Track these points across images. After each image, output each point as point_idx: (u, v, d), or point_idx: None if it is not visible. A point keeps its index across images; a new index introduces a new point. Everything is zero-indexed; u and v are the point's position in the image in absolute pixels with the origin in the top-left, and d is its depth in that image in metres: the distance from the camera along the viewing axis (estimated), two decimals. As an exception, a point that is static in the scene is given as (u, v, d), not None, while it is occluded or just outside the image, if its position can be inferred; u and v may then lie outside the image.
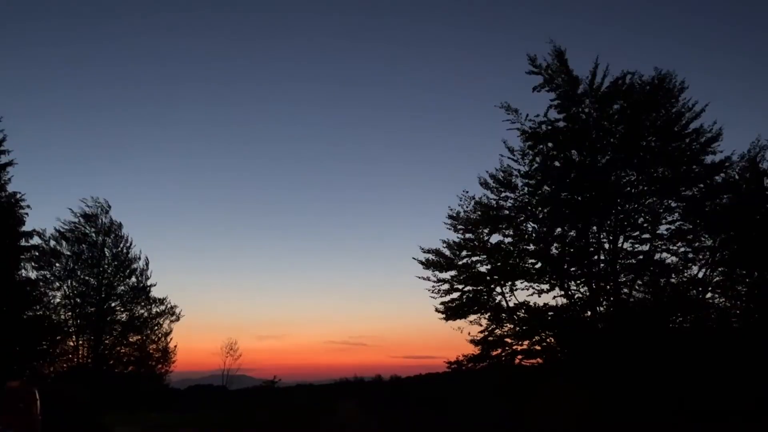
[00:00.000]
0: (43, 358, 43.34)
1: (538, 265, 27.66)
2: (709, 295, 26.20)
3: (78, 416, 35.44)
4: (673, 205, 26.48)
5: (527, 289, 27.87)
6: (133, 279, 52.29)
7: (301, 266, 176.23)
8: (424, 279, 29.04)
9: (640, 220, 26.88)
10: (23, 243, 38.70)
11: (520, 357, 27.80)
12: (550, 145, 27.27)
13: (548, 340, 27.56)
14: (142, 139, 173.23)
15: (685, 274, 26.56)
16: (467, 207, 28.31)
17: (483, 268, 28.35)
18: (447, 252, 28.57)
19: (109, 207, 51.80)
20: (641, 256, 26.74)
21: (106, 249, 51.58)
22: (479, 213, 28.12)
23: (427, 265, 28.89)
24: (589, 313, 27.10)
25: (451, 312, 28.48)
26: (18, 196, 36.89)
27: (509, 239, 28.07)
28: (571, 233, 27.24)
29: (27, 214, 37.44)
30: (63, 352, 49.36)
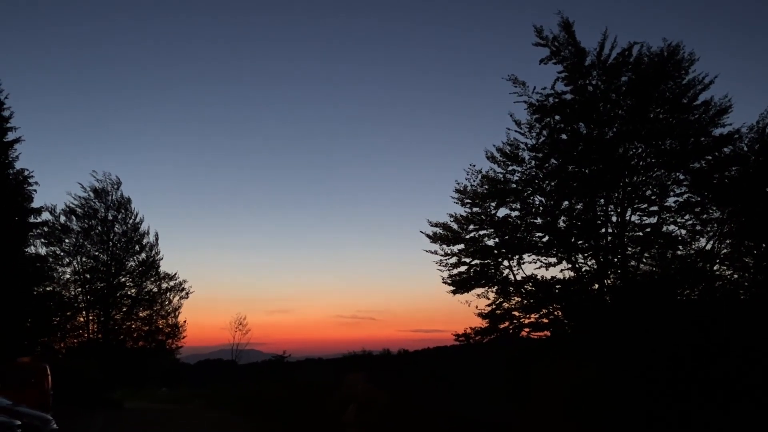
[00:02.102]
0: (53, 334, 43.62)
1: (546, 238, 27.64)
2: (716, 267, 26.16)
3: (89, 391, 35.67)
4: (681, 177, 26.39)
5: (534, 263, 27.92)
6: (143, 254, 52.56)
7: (311, 242, 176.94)
8: (431, 253, 29.07)
9: (648, 192, 26.82)
10: (32, 220, 38.73)
11: (527, 330, 27.83)
12: (557, 117, 27.14)
13: (556, 313, 27.56)
14: (152, 115, 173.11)
15: (693, 246, 26.54)
16: (474, 181, 28.25)
17: (490, 242, 28.35)
18: (454, 226, 28.53)
19: (120, 182, 52.03)
20: (649, 229, 26.70)
21: (116, 224, 51.76)
22: (486, 187, 28.03)
23: (434, 238, 28.88)
24: (596, 285, 27.09)
25: (459, 285, 28.50)
26: (26, 173, 36.87)
27: (516, 213, 28.03)
28: (579, 206, 27.15)
29: (35, 191, 37.50)
30: (73, 328, 49.75)
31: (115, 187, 51.89)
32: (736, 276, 25.86)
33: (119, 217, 52.04)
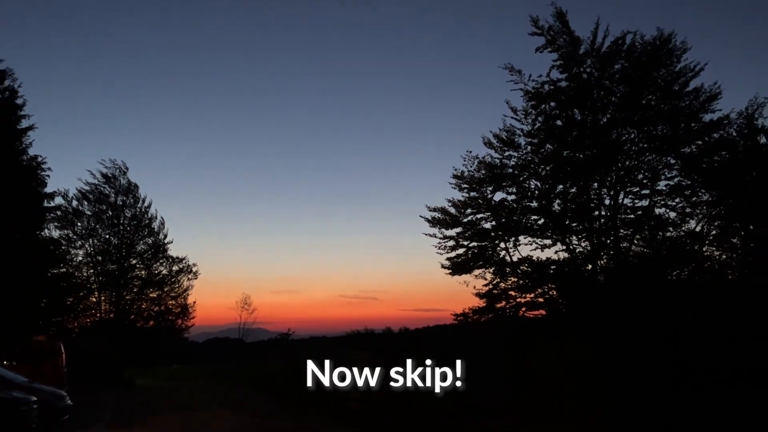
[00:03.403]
0: (67, 314, 43.78)
1: (541, 221, 27.73)
2: (705, 248, 26.27)
3: (102, 368, 35.87)
4: (672, 161, 26.49)
5: (530, 244, 28.06)
6: (152, 238, 52.80)
7: (314, 224, 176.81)
8: (430, 236, 29.17)
9: (640, 176, 26.90)
10: (46, 204, 38.78)
11: (523, 309, 27.98)
12: (552, 104, 27.20)
13: (551, 293, 27.69)
14: (158, 100, 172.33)
15: (683, 228, 26.61)
16: (471, 166, 28.34)
17: (487, 225, 28.46)
18: (452, 210, 28.64)
19: (127, 168, 52.34)
20: (640, 211, 26.77)
21: (125, 209, 52.01)
22: (483, 172, 28.11)
23: (433, 222, 28.98)
24: (590, 266, 27.18)
25: (457, 267, 28.63)
26: (39, 159, 36.89)
27: (512, 197, 28.12)
28: (573, 190, 27.25)
29: (48, 176, 37.49)
30: (86, 308, 50.06)
31: (123, 172, 52.11)
32: (724, 257, 25.96)
33: (128, 201, 52.33)
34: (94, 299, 51.18)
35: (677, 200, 26.46)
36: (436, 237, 29.02)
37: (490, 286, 28.11)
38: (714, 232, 25.93)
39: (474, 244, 28.54)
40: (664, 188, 26.60)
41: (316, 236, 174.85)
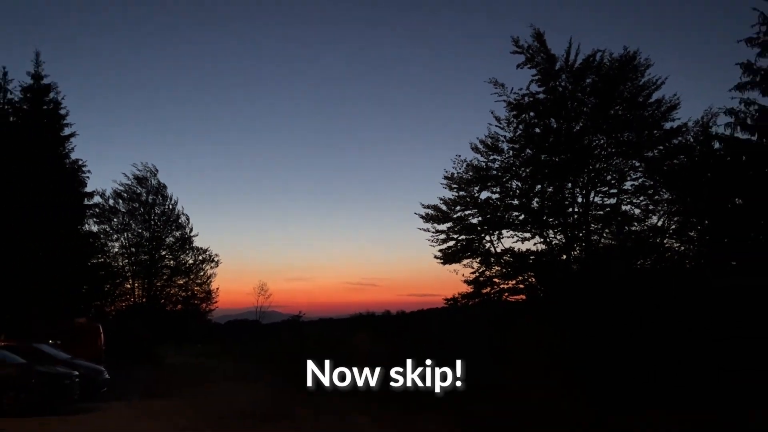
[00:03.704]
0: (105, 299, 43.89)
1: (521, 216, 27.77)
2: (666, 240, 26.31)
3: (135, 347, 36.05)
4: (637, 164, 26.55)
5: (512, 237, 28.17)
6: (179, 232, 52.93)
7: (324, 218, 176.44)
8: (424, 230, 29.24)
9: (609, 177, 26.96)
10: (86, 202, 38.98)
11: (506, 294, 28.03)
12: (531, 114, 27.25)
13: (530, 280, 27.77)
14: (180, 100, 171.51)
15: (646, 223, 26.68)
16: (460, 169, 28.41)
17: (474, 220, 28.50)
18: (443, 207, 28.68)
19: (157, 170, 52.48)
20: (609, 208, 26.85)
21: (155, 206, 52.14)
22: (471, 173, 28.18)
23: (427, 218, 29.04)
24: (564, 257, 27.23)
25: (448, 257, 28.69)
26: (80, 162, 37.05)
27: (496, 195, 28.17)
28: (550, 189, 27.27)
29: (88, 177, 37.65)
30: (121, 293, 50.20)
31: (153, 174, 52.27)
32: (682, 248, 26.04)
33: (157, 200, 52.45)
34: (128, 286, 51.30)
35: (641, 198, 26.57)
36: (429, 231, 29.08)
37: (477, 274, 28.18)
38: (674, 227, 25.98)
39: (463, 237, 28.59)
40: (630, 188, 26.72)
41: (324, 229, 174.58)
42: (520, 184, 27.89)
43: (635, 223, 26.76)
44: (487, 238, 28.28)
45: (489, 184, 28.07)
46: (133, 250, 51.27)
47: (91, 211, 42.27)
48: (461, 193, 28.52)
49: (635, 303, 21.22)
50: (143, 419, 15.47)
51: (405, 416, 15.20)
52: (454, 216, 28.64)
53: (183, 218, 53.42)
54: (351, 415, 15.70)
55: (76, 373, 17.99)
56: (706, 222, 23.62)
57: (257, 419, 15.37)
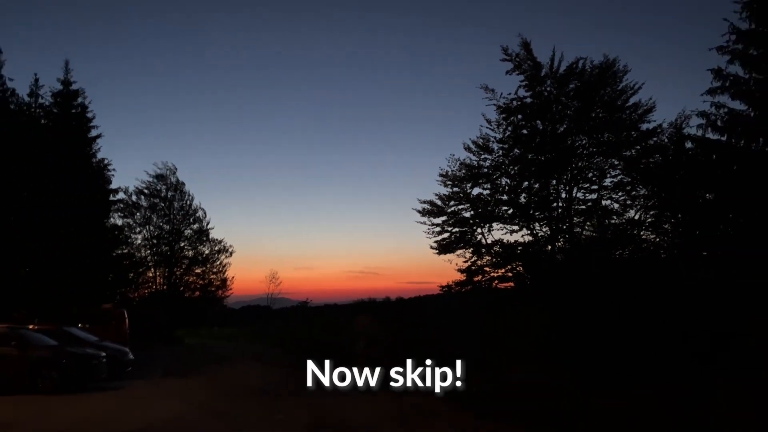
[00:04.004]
0: (129, 286, 44.04)
1: (510, 210, 27.88)
2: (642, 232, 26.43)
3: (157, 330, 36.14)
4: (616, 163, 26.65)
5: (501, 230, 28.32)
6: (196, 225, 53.06)
7: (329, 211, 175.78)
8: (421, 223, 29.34)
9: (590, 174, 27.05)
10: (111, 198, 39.08)
11: (496, 282, 28.16)
12: (519, 117, 27.31)
13: (518, 268, 27.85)
14: (193, 98, 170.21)
15: (625, 216, 26.80)
16: (454, 167, 28.52)
17: (467, 214, 28.62)
18: (439, 202, 28.80)
19: (176, 169, 52.74)
20: (590, 203, 26.98)
21: (174, 202, 52.24)
22: (464, 171, 28.28)
23: (423, 213, 29.16)
24: (549, 247, 27.34)
25: (443, 248, 28.79)
26: (106, 161, 37.16)
27: (487, 191, 28.31)
28: (536, 186, 27.37)
29: (113, 175, 37.85)
30: (144, 281, 50.41)
31: (172, 172, 52.37)
32: (657, 239, 26.12)
33: (176, 196, 52.59)
34: (150, 274, 51.49)
35: (620, 194, 26.69)
36: (425, 224, 29.23)
37: (469, 264, 28.29)
38: (649, 220, 26.07)
39: (456, 229, 28.71)
40: (609, 184, 26.86)
41: (329, 222, 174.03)
42: (508, 181, 28.01)
43: (614, 217, 26.90)
44: (479, 230, 28.41)
45: (480, 181, 28.17)
46: (155, 241, 51.50)
47: (115, 206, 42.45)
48: (455, 189, 28.63)
49: (614, 290, 21.23)
50: (165, 396, 15.54)
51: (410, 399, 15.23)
52: (449, 210, 28.75)
53: (200, 212, 53.64)
54: (355, 399, 15.75)
55: (104, 354, 18.06)
56: (679, 216, 23.68)
57: (269, 396, 15.43)
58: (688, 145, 23.19)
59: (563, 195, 26.99)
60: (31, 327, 19.38)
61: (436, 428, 11.53)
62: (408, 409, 13.05)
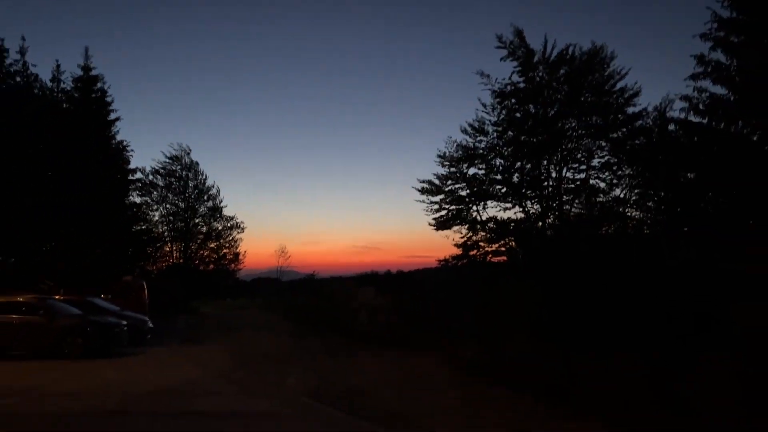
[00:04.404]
0: (147, 260, 44.24)
1: (503, 189, 27.66)
2: (628, 210, 26.31)
3: (174, 301, 36.33)
4: (603, 144, 26.37)
5: (495, 207, 28.10)
6: (210, 203, 53.04)
7: (334, 188, 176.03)
8: (420, 201, 29.28)
9: (579, 155, 26.81)
10: (130, 177, 39.08)
11: (490, 256, 28.06)
12: (513, 101, 27.05)
13: (510, 244, 27.79)
14: (207, 77, 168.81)
15: (611, 195, 26.62)
16: (451, 148, 28.28)
17: (463, 193, 28.39)
18: (437, 182, 28.62)
19: (190, 150, 52.49)
20: (579, 182, 26.74)
21: (189, 181, 52.17)
22: (460, 152, 28.05)
23: (422, 191, 29.00)
24: (540, 224, 27.25)
25: (441, 224, 28.72)
26: (124, 143, 37.13)
27: (482, 171, 28.02)
28: (528, 166, 27.15)
29: (131, 156, 37.81)
30: (162, 255, 50.57)
31: (187, 153, 52.21)
32: (641, 216, 26.05)
33: (191, 175, 52.46)
34: (167, 249, 51.55)
35: (606, 174, 26.46)
36: (424, 202, 29.11)
37: (465, 239, 28.18)
38: (634, 198, 25.92)
39: (453, 207, 28.55)
40: (597, 165, 26.54)
41: (334, 199, 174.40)
42: (502, 162, 27.76)
43: (601, 195, 26.68)
44: (474, 208, 28.25)
45: (476, 161, 27.98)
46: (171, 218, 51.45)
47: (134, 185, 42.36)
48: (452, 169, 28.46)
49: (600, 264, 21.28)
50: (182, 361, 15.68)
51: (402, 356, 15.39)
52: (446, 189, 28.61)
53: (214, 190, 53.54)
54: (357, 356, 15.89)
55: (125, 322, 18.21)
56: (662, 194, 23.61)
57: (280, 362, 15.55)
58: (672, 127, 23.07)
59: (553, 174, 26.81)
60: (57, 297, 19.52)
61: (431, 386, 11.68)
62: (407, 373, 13.16)
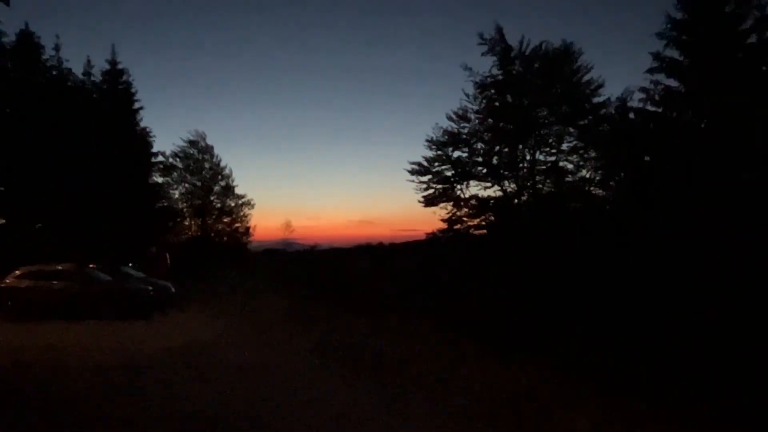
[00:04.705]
0: (169, 233, 44.46)
1: (484, 170, 27.87)
2: (593, 188, 26.61)
3: (193, 269, 36.69)
4: (571, 130, 26.58)
5: (477, 186, 28.24)
6: (224, 182, 53.23)
7: (335, 165, 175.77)
8: (411, 181, 29.54)
9: (550, 140, 26.99)
10: (153, 160, 39.27)
11: (472, 230, 28.41)
12: (492, 91, 27.23)
13: (490, 218, 28.10)
14: (221, 69, 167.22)
15: (578, 175, 26.91)
16: (438, 134, 28.42)
17: (448, 173, 28.60)
18: (425, 164, 28.77)
19: (205, 135, 52.48)
20: (550, 164, 27.04)
21: (205, 163, 52.29)
22: (446, 137, 28.24)
23: (413, 172, 29.19)
24: (516, 201, 27.58)
25: (429, 201, 28.95)
26: (147, 129, 37.26)
27: (465, 154, 28.20)
28: (506, 149, 27.37)
29: (154, 141, 37.97)
30: (181, 229, 50.72)
31: (203, 138, 52.30)
32: (604, 194, 26.37)
33: (206, 158, 52.58)
34: (186, 223, 51.83)
35: (574, 156, 26.68)
36: (414, 182, 29.37)
37: (450, 215, 28.39)
38: (598, 178, 26.23)
39: (440, 186, 28.73)
40: (566, 149, 26.72)
41: (334, 178, 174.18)
42: (483, 146, 27.96)
43: (569, 176, 26.99)
44: (458, 186, 28.44)
45: (460, 145, 28.14)
46: (189, 196, 51.69)
47: (156, 167, 42.52)
48: (439, 152, 28.63)
49: (569, 236, 21.66)
50: (202, 322, 16.11)
51: (397, 321, 15.83)
52: (434, 170, 28.80)
53: (227, 171, 53.74)
54: (354, 321, 16.36)
55: (151, 288, 18.60)
56: (623, 174, 23.93)
57: (288, 321, 16.00)
58: (631, 116, 23.34)
59: (528, 157, 27.08)
60: (91, 266, 19.88)
61: (414, 336, 12.19)
62: (393, 325, 13.67)
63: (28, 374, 9.05)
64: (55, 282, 17.11)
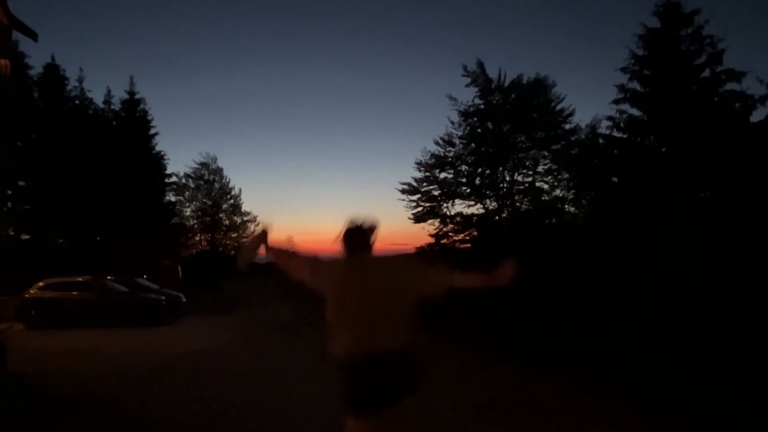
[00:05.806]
0: (181, 247, 44.26)
1: (468, 190, 28.15)
2: (566, 206, 26.87)
3: (203, 280, 36.42)
4: (546, 154, 27.00)
5: (462, 204, 28.60)
6: (231, 201, 53.16)
7: (330, 187, 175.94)
8: (401, 200, 29.68)
9: (527, 163, 27.39)
10: (167, 180, 39.19)
11: (458, 244, 28.50)
12: (475, 119, 27.59)
13: (474, 234, 28.23)
14: (229, 90, 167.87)
15: (553, 194, 27.22)
16: (426, 157, 28.76)
17: (436, 193, 28.84)
18: (415, 184, 29.02)
19: (216, 157, 52.46)
20: (527, 184, 27.35)
21: (215, 183, 52.23)
22: (433, 160, 28.52)
23: (403, 192, 29.42)
24: (497, 217, 27.74)
25: (418, 218, 29.10)
26: (162, 153, 37.25)
27: (451, 176, 28.51)
28: (487, 171, 27.66)
29: (168, 163, 37.95)
30: (192, 244, 50.51)
31: (214, 160, 52.33)
32: (576, 211, 26.58)
33: (216, 179, 52.56)
34: (197, 238, 51.69)
35: (549, 178, 27.14)
36: (404, 201, 29.52)
37: (438, 230, 28.58)
38: (571, 197, 26.50)
39: (428, 204, 28.94)
40: (542, 170, 27.23)
41: (332, 196, 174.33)
42: (467, 168, 28.22)
43: (545, 195, 27.30)
44: (445, 205, 28.66)
45: (446, 167, 28.41)
46: (200, 213, 51.57)
47: (169, 187, 42.45)
48: (427, 174, 28.88)
49: (544, 249, 21.71)
50: (212, 330, 15.97)
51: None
52: (422, 190, 28.99)
53: (235, 191, 53.69)
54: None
55: (163, 298, 18.43)
56: (592, 194, 24.11)
57: (292, 329, 15.90)
58: (600, 141, 23.60)
59: (507, 178, 27.37)
60: (109, 278, 19.71)
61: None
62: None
63: (75, 380, 8.91)
64: (75, 293, 16.93)
